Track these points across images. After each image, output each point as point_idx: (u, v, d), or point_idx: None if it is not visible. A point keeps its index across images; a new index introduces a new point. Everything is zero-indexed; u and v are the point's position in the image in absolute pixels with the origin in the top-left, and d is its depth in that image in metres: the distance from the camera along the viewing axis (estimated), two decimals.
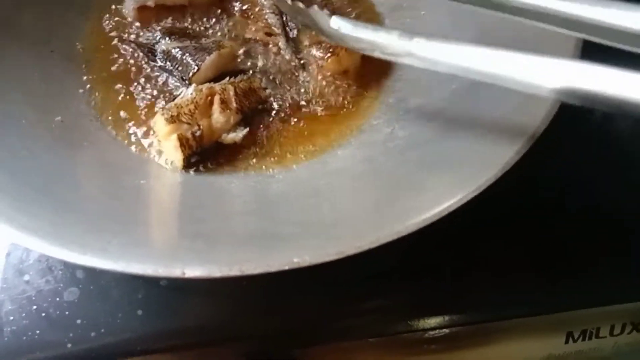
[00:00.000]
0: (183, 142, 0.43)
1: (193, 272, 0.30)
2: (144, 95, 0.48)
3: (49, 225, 0.33)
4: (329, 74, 0.49)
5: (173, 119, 0.43)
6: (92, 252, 0.31)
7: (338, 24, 0.40)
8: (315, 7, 0.42)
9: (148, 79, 0.48)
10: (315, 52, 0.49)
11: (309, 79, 0.49)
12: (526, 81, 0.31)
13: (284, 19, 0.50)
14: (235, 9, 0.51)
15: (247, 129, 0.45)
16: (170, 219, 0.38)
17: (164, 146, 0.44)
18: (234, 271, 0.30)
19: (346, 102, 0.48)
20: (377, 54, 0.38)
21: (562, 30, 0.35)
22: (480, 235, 0.45)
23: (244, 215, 0.39)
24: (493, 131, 0.39)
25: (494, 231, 0.45)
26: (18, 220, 0.32)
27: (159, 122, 0.43)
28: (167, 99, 0.47)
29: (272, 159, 0.45)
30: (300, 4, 0.44)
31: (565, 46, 0.38)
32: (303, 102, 0.48)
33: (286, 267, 0.30)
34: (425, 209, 0.33)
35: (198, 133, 0.43)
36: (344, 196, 0.39)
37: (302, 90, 0.48)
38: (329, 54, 0.48)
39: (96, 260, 0.30)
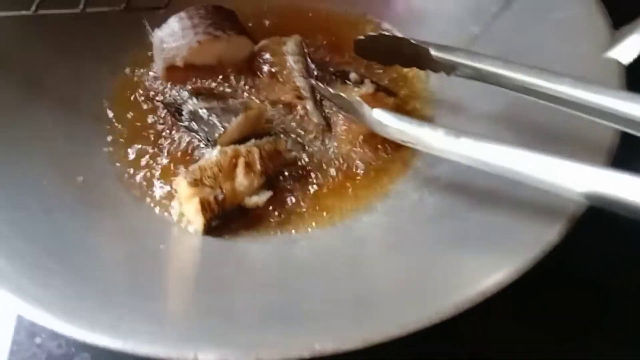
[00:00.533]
0: (205, 205, 0.41)
1: (206, 356, 0.28)
2: (168, 155, 0.47)
3: (59, 297, 0.31)
4: (355, 137, 0.47)
5: (196, 182, 0.42)
6: (102, 329, 0.29)
7: (381, 117, 0.40)
8: (358, 97, 0.43)
9: (173, 139, 0.48)
10: (343, 115, 0.47)
11: (335, 142, 0.47)
12: (560, 186, 0.31)
13: (313, 83, 0.50)
14: (264, 70, 0.51)
15: (271, 192, 0.44)
16: (186, 291, 0.36)
17: (185, 209, 0.43)
18: (249, 357, 0.28)
19: (372, 166, 0.47)
20: (420, 148, 0.38)
21: (600, 121, 0.35)
22: (510, 318, 0.42)
23: (264, 287, 0.36)
24: (529, 205, 0.36)
25: (526, 313, 0.42)
26: (27, 291, 0.31)
27: (182, 185, 0.42)
28: (191, 160, 0.46)
29: (295, 224, 0.43)
30: (342, 94, 0.44)
31: (603, 137, 0.37)
32: (329, 166, 0.47)
33: (306, 355, 0.28)
34: (458, 293, 0.31)
35: (220, 197, 0.42)
36: (370, 270, 0.37)
37: (328, 153, 0.47)
38: None
39: (105, 339, 0.29)
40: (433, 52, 0.43)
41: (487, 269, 0.32)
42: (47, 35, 0.48)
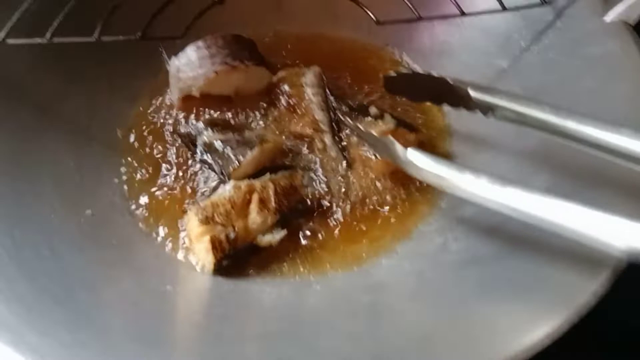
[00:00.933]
0: (215, 244, 0.39)
1: None
2: (180, 188, 0.45)
3: (60, 346, 0.29)
4: (376, 173, 0.45)
5: (207, 220, 0.40)
6: None
7: (415, 157, 0.37)
8: (390, 136, 0.40)
9: (186, 171, 0.46)
10: (364, 150, 0.45)
11: (354, 178, 0.45)
12: (598, 239, 0.29)
13: (332, 115, 0.48)
14: (282, 102, 0.49)
15: (285, 231, 0.42)
16: (193, 339, 0.34)
17: (195, 248, 0.41)
18: None
19: (393, 205, 0.45)
20: (458, 193, 0.35)
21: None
22: None
23: (276, 336, 0.34)
24: (565, 254, 0.33)
25: None
26: (26, 341, 0.29)
27: (192, 222, 0.41)
28: (203, 193, 0.45)
29: (310, 265, 0.41)
30: (374, 132, 0.42)
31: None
32: (347, 203, 0.44)
33: None
34: (487, 354, 0.28)
35: (232, 235, 0.40)
36: (390, 323, 0.34)
37: (347, 190, 0.45)
38: None
39: None
40: (472, 92, 0.41)
41: (518, 329, 0.30)
42: (61, 63, 0.47)
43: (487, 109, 0.40)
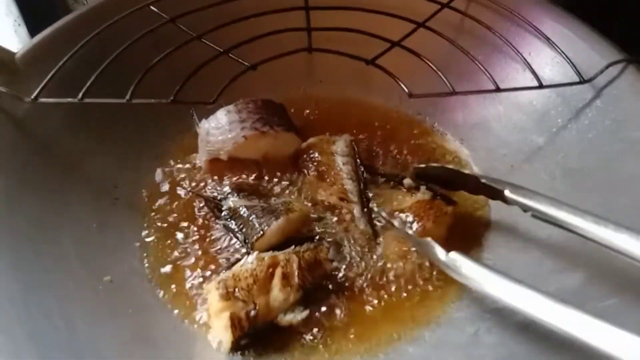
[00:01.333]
0: (235, 322, 0.38)
1: None
2: (202, 255, 0.44)
3: None
4: (405, 250, 0.43)
5: (227, 295, 0.38)
6: None
7: (457, 261, 0.37)
8: (429, 238, 0.40)
9: (209, 237, 0.45)
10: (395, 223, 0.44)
11: (382, 253, 0.43)
12: None
13: (361, 186, 0.47)
14: (310, 169, 0.48)
15: (307, 311, 0.40)
16: None
17: (213, 323, 0.39)
18: None
19: (422, 287, 0.42)
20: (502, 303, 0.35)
21: None
22: None
23: None
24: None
25: None
26: None
27: (213, 296, 0.39)
28: (226, 263, 0.43)
29: (330, 349, 0.39)
30: (411, 231, 0.42)
31: None
32: (373, 282, 0.42)
33: None
34: None
35: (253, 313, 0.38)
36: None
37: (374, 266, 0.43)
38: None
39: None
40: (508, 194, 0.40)
41: None
42: (91, 123, 0.47)
43: (525, 207, 0.39)
